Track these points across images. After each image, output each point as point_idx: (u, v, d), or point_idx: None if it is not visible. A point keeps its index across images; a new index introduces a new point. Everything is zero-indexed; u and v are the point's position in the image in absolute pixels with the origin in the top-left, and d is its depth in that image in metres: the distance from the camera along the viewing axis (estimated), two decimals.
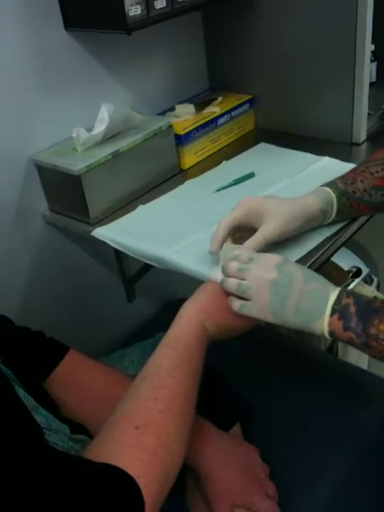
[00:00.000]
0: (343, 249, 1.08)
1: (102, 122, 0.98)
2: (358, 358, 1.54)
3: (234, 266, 0.71)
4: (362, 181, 0.85)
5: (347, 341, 0.66)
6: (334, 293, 0.67)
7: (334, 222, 0.88)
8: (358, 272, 1.43)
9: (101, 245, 0.96)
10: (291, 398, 0.99)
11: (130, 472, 0.55)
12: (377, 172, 0.86)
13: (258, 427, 0.91)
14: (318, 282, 0.69)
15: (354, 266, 1.44)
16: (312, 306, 0.67)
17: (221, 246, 0.78)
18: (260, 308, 0.69)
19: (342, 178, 0.87)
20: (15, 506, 0.47)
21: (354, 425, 0.94)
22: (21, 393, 0.62)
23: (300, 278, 0.68)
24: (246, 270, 0.70)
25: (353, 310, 0.65)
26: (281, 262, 0.70)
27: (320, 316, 0.66)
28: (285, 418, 0.96)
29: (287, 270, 0.69)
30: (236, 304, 0.71)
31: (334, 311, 0.65)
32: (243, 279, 0.70)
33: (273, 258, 0.71)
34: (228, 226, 0.79)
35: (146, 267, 1.20)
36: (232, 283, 0.71)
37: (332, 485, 0.86)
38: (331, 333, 0.66)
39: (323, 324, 0.66)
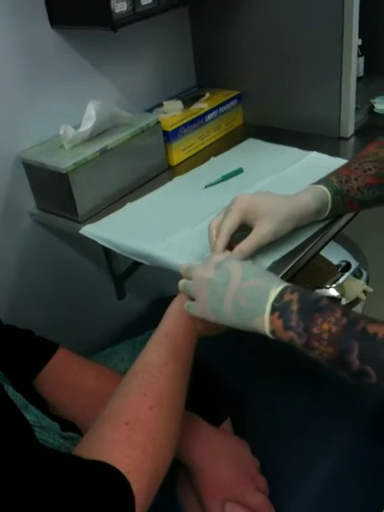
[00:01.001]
0: (332, 243, 1.09)
1: (90, 119, 0.98)
2: None
3: (184, 265, 0.72)
4: (355, 179, 0.85)
5: (288, 341, 0.62)
6: (276, 290, 0.63)
7: (322, 219, 0.88)
8: (348, 266, 1.43)
9: (90, 242, 0.96)
10: (283, 393, 0.99)
11: (120, 468, 0.55)
12: (369, 169, 0.85)
13: (248, 422, 0.91)
14: (260, 278, 0.66)
15: (344, 260, 1.45)
16: (250, 303, 0.64)
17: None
18: (202, 307, 0.68)
19: (337, 175, 0.86)
20: (5, 503, 0.47)
21: (347, 419, 0.94)
22: (10, 391, 0.62)
23: (238, 276, 0.65)
24: (191, 270, 0.70)
25: (295, 307, 0.61)
26: (220, 260, 0.69)
27: (260, 314, 0.63)
28: (276, 412, 0.96)
29: (224, 268, 0.67)
30: (186, 303, 0.71)
31: (274, 309, 0.62)
32: (190, 279, 0.70)
33: (215, 257, 0.70)
34: (229, 232, 0.77)
35: (136, 265, 1.20)
36: (180, 283, 0.71)
37: (323, 479, 0.86)
38: (272, 331, 0.63)
39: (263, 322, 0.62)
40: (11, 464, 0.49)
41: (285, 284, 0.64)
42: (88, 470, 0.53)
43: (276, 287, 0.64)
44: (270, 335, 0.64)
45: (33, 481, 0.49)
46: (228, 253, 0.77)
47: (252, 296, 0.64)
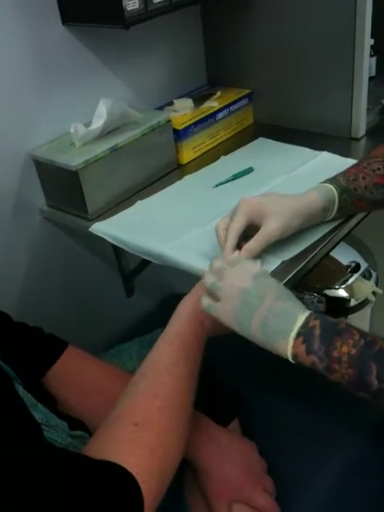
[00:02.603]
0: (342, 244, 1.08)
1: (100, 117, 0.97)
2: None
3: (216, 264, 0.71)
4: (363, 178, 0.85)
5: (310, 365, 0.62)
6: (303, 315, 0.63)
7: (333, 219, 0.88)
8: (357, 267, 1.43)
9: (99, 240, 0.96)
10: (289, 394, 0.99)
11: (129, 468, 0.55)
12: (378, 169, 0.85)
13: (256, 423, 0.91)
14: (291, 301, 0.66)
15: (353, 261, 1.44)
16: (279, 324, 0.64)
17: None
18: (225, 312, 0.67)
19: (344, 174, 0.86)
20: (14, 503, 0.47)
21: (353, 420, 0.94)
22: (20, 390, 0.62)
23: (273, 294, 0.65)
24: (225, 272, 0.69)
25: (317, 332, 0.61)
26: (258, 273, 0.68)
27: (285, 336, 0.63)
28: (282, 413, 0.96)
29: (262, 283, 0.67)
30: (205, 301, 0.69)
31: (299, 334, 0.62)
32: (220, 279, 0.69)
33: (252, 268, 0.69)
34: (237, 235, 0.78)
35: (145, 262, 1.20)
36: (208, 280, 0.70)
37: (330, 481, 0.86)
38: (294, 356, 0.63)
39: (287, 346, 0.63)
40: (20, 464, 0.49)
41: (309, 311, 0.65)
42: (97, 470, 0.54)
43: (303, 313, 0.64)
44: (291, 359, 0.64)
45: (41, 480, 0.49)
46: (237, 253, 0.77)
47: (282, 317, 0.64)
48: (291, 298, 0.66)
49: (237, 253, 0.78)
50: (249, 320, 0.65)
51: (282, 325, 0.64)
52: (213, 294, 0.69)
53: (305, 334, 0.62)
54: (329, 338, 0.61)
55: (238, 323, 0.66)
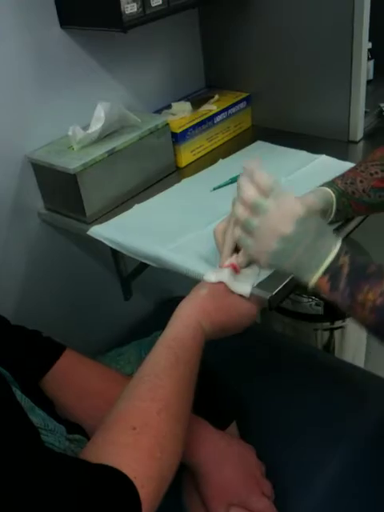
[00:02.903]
0: None
1: (99, 121, 0.97)
2: (355, 356, 1.55)
3: (251, 195, 0.67)
4: (361, 181, 0.85)
5: (332, 301, 0.65)
6: (334, 251, 0.65)
7: (331, 222, 0.88)
8: None
9: (97, 243, 0.96)
10: (287, 397, 0.99)
11: (127, 473, 0.54)
12: (376, 173, 0.85)
13: (254, 426, 0.91)
14: (327, 237, 0.67)
15: None
16: (311, 260, 0.66)
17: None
18: (259, 251, 0.68)
19: (342, 177, 0.86)
20: (10, 508, 0.47)
21: (350, 423, 0.94)
22: (18, 394, 0.62)
23: (311, 236, 0.66)
24: (262, 211, 0.67)
25: (345, 270, 0.64)
26: (301, 217, 0.66)
27: (313, 271, 0.65)
28: (281, 416, 0.96)
29: (304, 227, 0.66)
30: (237, 232, 0.70)
31: (327, 270, 0.64)
32: (254, 215, 0.67)
33: (294, 208, 0.66)
34: (234, 238, 0.77)
35: (143, 265, 1.20)
36: (242, 214, 0.68)
37: (328, 483, 0.86)
38: (317, 288, 0.66)
39: (312, 279, 0.65)
40: (17, 469, 0.48)
41: (340, 244, 0.66)
42: (95, 475, 0.53)
43: (335, 246, 0.65)
44: (313, 289, 0.66)
45: (39, 486, 0.49)
46: (235, 256, 0.77)
47: (315, 254, 0.66)
48: (327, 234, 0.67)
49: (234, 256, 0.78)
50: (283, 262, 0.67)
51: (313, 261, 0.65)
52: (246, 231, 0.68)
53: (332, 270, 0.64)
54: (356, 280, 0.62)
55: (271, 264, 0.69)
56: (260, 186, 0.68)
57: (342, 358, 1.48)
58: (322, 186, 0.86)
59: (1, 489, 0.46)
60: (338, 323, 1.45)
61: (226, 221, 0.81)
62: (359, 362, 1.58)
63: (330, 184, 0.85)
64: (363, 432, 0.93)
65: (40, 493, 0.48)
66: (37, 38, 0.96)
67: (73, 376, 0.80)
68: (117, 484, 0.54)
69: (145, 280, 1.23)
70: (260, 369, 1.06)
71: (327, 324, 1.45)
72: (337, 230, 0.89)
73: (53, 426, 0.66)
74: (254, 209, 0.67)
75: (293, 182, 1.01)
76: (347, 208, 0.86)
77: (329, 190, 0.84)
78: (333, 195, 0.84)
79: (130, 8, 0.90)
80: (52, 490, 0.49)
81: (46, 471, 0.50)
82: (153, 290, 1.36)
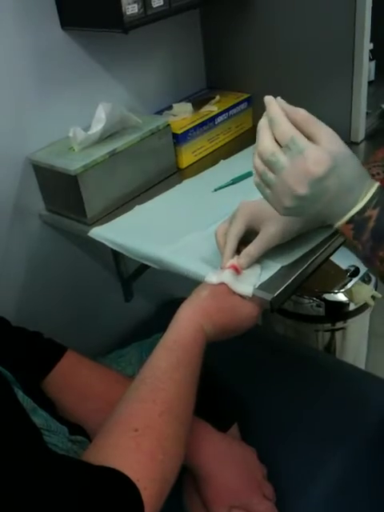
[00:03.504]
0: (341, 248, 1.08)
1: (99, 122, 0.97)
2: (356, 357, 1.55)
3: (266, 148, 0.64)
4: None
5: (351, 247, 0.67)
6: (360, 203, 0.65)
7: None
8: (356, 271, 1.43)
9: (98, 244, 0.96)
10: (288, 398, 0.99)
11: (130, 475, 0.54)
12: (378, 174, 0.85)
13: (255, 428, 0.91)
14: (356, 187, 0.65)
15: (352, 265, 1.44)
16: (333, 210, 0.66)
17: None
18: (277, 203, 0.67)
19: None
20: (14, 509, 0.47)
21: (351, 424, 0.94)
22: (20, 395, 0.62)
23: (332, 192, 0.64)
24: (277, 169, 0.64)
25: (371, 225, 0.65)
26: (318, 178, 0.62)
27: (337, 218, 0.67)
28: (282, 418, 0.96)
29: (321, 188, 0.63)
30: (256, 179, 0.69)
31: (351, 220, 0.65)
32: (272, 171, 0.65)
33: (311, 169, 0.62)
34: (236, 239, 0.78)
35: (144, 267, 1.20)
36: (258, 166, 0.67)
37: (329, 485, 0.86)
38: (339, 231, 0.68)
39: (336, 224, 0.67)
40: (19, 469, 0.48)
41: (370, 196, 0.65)
42: (98, 476, 0.53)
43: (362, 200, 0.65)
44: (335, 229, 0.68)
45: (40, 486, 0.49)
46: (236, 258, 0.77)
47: (339, 205, 0.66)
48: (356, 183, 0.65)
49: (235, 258, 0.78)
50: (303, 214, 0.69)
51: (337, 211, 0.66)
52: (263, 180, 0.67)
53: (357, 221, 0.65)
54: (380, 236, 0.64)
55: (285, 214, 0.69)
56: (278, 136, 0.64)
57: (343, 359, 1.48)
58: None
59: (2, 489, 0.46)
60: (339, 324, 1.45)
61: (227, 222, 0.80)
62: (360, 363, 1.58)
63: None
64: (364, 433, 0.93)
65: (42, 493, 0.48)
66: (37, 39, 0.96)
67: (74, 377, 0.80)
68: (119, 486, 0.53)
69: (145, 281, 1.23)
70: (261, 370, 1.06)
71: (328, 325, 1.45)
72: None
73: (55, 426, 0.66)
74: (270, 165, 0.65)
75: None
76: None
77: None
78: None
79: (131, 9, 0.89)
80: (54, 491, 0.49)
81: (48, 472, 0.50)
82: (154, 292, 1.36)
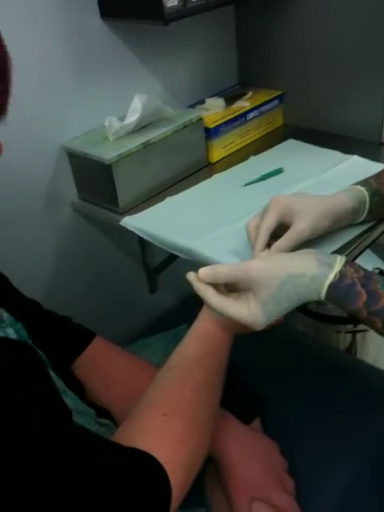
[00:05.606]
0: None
1: (135, 112, 0.98)
2: (376, 360, 1.54)
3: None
4: None
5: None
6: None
7: (362, 222, 0.88)
8: (381, 273, 1.42)
9: (126, 236, 0.97)
10: (309, 396, 0.99)
11: (158, 458, 0.55)
12: None
13: (274, 423, 0.91)
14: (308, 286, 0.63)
15: (376, 268, 1.43)
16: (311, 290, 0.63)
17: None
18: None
19: (377, 177, 0.86)
20: (41, 485, 0.48)
21: (371, 423, 0.94)
22: (52, 375, 0.63)
23: (291, 301, 0.63)
24: None
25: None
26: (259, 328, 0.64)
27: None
28: (302, 415, 0.96)
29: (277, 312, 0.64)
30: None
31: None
32: None
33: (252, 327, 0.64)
34: (267, 233, 0.77)
35: (170, 259, 1.21)
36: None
37: (350, 481, 0.86)
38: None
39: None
40: (52, 445, 0.49)
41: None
42: (127, 457, 0.54)
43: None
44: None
45: (75, 463, 0.49)
46: (267, 251, 0.78)
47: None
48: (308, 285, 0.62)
49: (266, 251, 0.78)
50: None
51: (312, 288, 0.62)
52: None
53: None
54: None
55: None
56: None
57: (364, 359, 1.47)
58: (356, 184, 0.86)
59: (37, 464, 0.47)
60: (361, 326, 1.44)
61: (258, 216, 0.81)
62: (381, 363, 1.57)
63: (364, 183, 0.85)
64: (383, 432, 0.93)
65: (72, 470, 0.49)
66: (77, 28, 0.97)
67: (101, 363, 0.81)
68: (148, 468, 0.54)
69: (170, 274, 1.24)
70: (282, 368, 1.06)
71: (350, 326, 1.44)
72: (368, 231, 0.89)
73: (83, 408, 0.67)
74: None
75: (325, 182, 1.01)
76: (380, 207, 0.85)
77: (362, 188, 0.84)
78: (366, 194, 0.83)
79: (171, 1, 0.90)
80: (84, 468, 0.50)
81: (79, 449, 0.51)
82: (178, 285, 1.36)
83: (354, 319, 1.43)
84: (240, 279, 0.64)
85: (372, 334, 1.47)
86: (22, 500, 0.46)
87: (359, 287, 0.61)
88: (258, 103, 1.21)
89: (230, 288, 0.69)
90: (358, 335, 1.46)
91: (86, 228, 1.12)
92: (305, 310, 1.46)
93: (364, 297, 0.61)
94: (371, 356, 1.51)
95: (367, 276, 0.63)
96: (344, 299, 0.62)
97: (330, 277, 0.62)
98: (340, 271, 0.62)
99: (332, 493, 0.85)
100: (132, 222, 0.96)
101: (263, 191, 1.01)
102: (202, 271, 0.66)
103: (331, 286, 0.62)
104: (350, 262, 0.64)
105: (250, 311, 0.63)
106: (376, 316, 0.61)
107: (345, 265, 0.63)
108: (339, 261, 0.63)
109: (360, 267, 0.64)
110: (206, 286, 0.66)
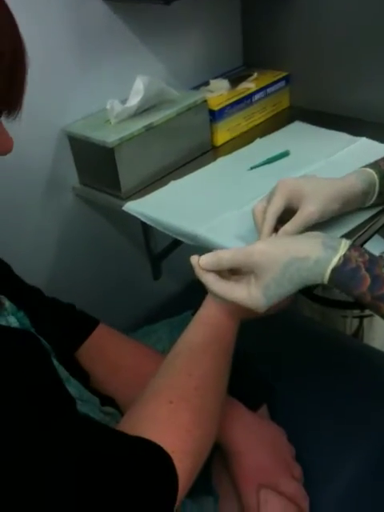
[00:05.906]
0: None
1: (137, 94, 0.96)
2: (383, 345, 1.53)
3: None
4: None
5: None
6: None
7: (371, 206, 0.86)
8: None
9: (129, 221, 0.95)
10: (316, 382, 0.99)
11: (164, 447, 0.54)
12: None
13: (282, 410, 0.91)
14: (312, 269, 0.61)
15: None
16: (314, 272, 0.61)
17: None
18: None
19: None
20: (46, 473, 0.47)
21: (379, 409, 0.93)
22: (55, 363, 0.61)
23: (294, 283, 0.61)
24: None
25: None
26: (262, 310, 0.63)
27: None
28: (309, 401, 0.95)
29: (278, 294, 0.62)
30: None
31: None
32: None
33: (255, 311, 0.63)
34: (275, 217, 0.75)
35: (173, 245, 1.19)
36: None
37: (357, 468, 0.86)
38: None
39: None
40: (56, 434, 0.48)
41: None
42: (133, 446, 0.53)
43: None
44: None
45: (80, 452, 0.49)
46: (274, 236, 0.76)
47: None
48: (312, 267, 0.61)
49: (273, 236, 0.76)
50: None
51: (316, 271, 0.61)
52: None
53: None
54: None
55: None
56: None
57: (372, 344, 1.46)
58: (365, 167, 0.84)
59: (40, 454, 0.46)
60: (367, 311, 1.43)
61: (265, 200, 0.79)
62: None
63: (373, 165, 0.83)
64: None
65: (77, 459, 0.48)
66: (78, 10, 0.95)
67: (105, 350, 0.80)
68: (155, 457, 0.53)
69: (174, 260, 1.23)
70: (288, 354, 1.05)
71: (357, 311, 1.43)
72: (377, 215, 0.87)
73: (87, 396, 0.66)
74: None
75: (333, 164, 0.99)
76: None
77: (372, 171, 0.82)
78: (376, 176, 0.81)
79: None
80: (89, 458, 0.49)
81: (84, 438, 0.50)
82: (181, 271, 1.35)
83: (360, 304, 1.41)
84: (243, 264, 0.63)
85: (379, 319, 1.46)
86: (26, 492, 0.45)
87: (363, 271, 0.60)
88: (263, 85, 1.18)
89: (234, 271, 0.68)
90: (365, 320, 1.45)
91: (87, 213, 1.11)
92: (311, 294, 1.45)
93: (368, 281, 0.60)
94: (378, 341, 1.50)
95: (372, 260, 0.61)
96: (348, 283, 0.60)
97: (334, 260, 0.60)
98: (344, 255, 0.61)
99: (340, 480, 0.85)
100: (135, 207, 0.94)
101: (269, 175, 0.98)
102: (204, 259, 0.65)
103: (335, 269, 0.60)
104: (355, 246, 0.62)
105: (249, 294, 0.62)
106: (380, 301, 0.60)
107: (350, 249, 0.61)
108: (344, 244, 0.62)
109: (366, 251, 0.62)
110: (207, 271, 0.65)
